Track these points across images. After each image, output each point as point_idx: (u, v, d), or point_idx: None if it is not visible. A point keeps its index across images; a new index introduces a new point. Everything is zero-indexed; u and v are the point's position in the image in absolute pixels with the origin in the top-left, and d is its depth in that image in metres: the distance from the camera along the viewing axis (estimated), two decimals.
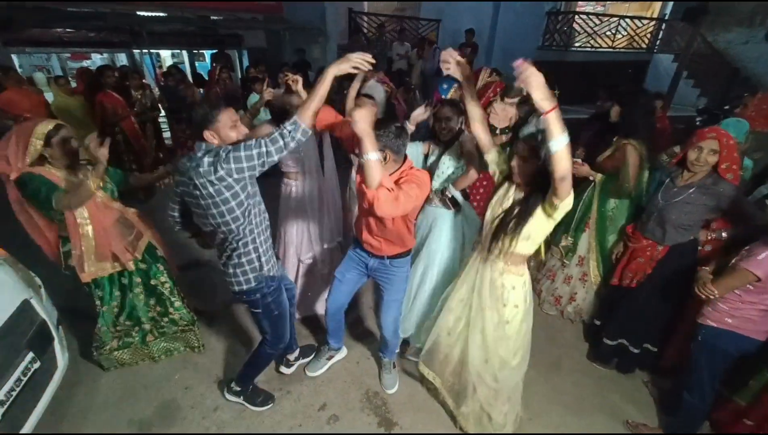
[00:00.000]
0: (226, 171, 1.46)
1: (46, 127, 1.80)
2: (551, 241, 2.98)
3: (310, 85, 1.86)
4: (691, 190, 2.02)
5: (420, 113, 2.29)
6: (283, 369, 2.38)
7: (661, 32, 10.02)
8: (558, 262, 2.93)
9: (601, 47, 9.25)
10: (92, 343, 2.25)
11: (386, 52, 8.17)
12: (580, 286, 2.85)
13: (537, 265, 3.10)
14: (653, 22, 9.99)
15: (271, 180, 2.23)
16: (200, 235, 2.01)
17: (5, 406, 1.57)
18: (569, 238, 2.81)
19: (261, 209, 1.72)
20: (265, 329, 1.93)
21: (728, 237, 2.10)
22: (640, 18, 9.91)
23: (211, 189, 1.49)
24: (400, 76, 6.11)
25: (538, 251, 1.76)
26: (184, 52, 9.28)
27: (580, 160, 2.65)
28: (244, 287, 1.75)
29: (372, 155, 1.49)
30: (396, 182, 1.68)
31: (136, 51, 7.58)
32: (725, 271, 1.75)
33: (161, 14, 6.90)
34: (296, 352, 2.41)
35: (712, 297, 1.74)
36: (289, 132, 1.52)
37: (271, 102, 2.66)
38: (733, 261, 1.74)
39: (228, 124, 1.56)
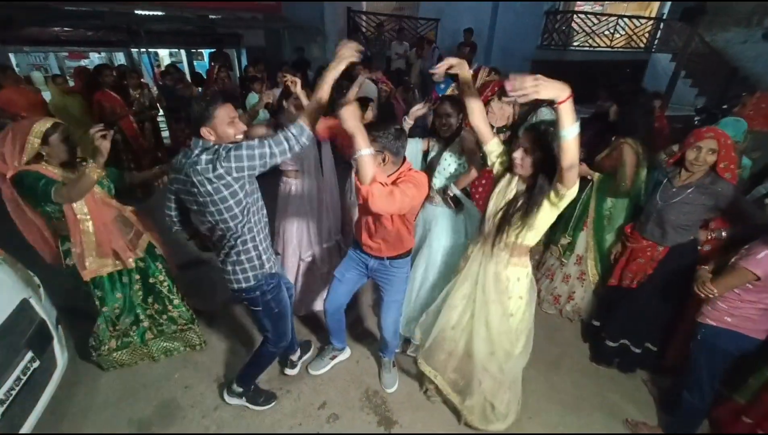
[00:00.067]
0: (225, 169, 1.45)
1: (43, 125, 1.80)
2: (550, 240, 2.99)
3: (309, 85, 1.86)
4: (689, 190, 2.02)
5: (419, 108, 2.30)
6: (288, 371, 2.37)
7: (659, 32, 10.04)
8: (556, 260, 2.94)
9: (599, 46, 9.26)
10: (90, 342, 2.24)
11: (385, 51, 8.16)
12: (578, 285, 2.86)
13: (536, 264, 3.10)
14: (651, 22, 10.01)
15: (269, 178, 2.21)
16: (198, 236, 1.99)
17: (4, 406, 1.56)
18: (568, 237, 2.82)
19: (260, 206, 1.71)
20: (266, 328, 1.91)
21: (728, 236, 2.10)
22: (638, 17, 9.92)
23: (209, 187, 1.47)
24: (398, 76, 6.11)
25: (539, 243, 1.76)
26: (183, 51, 9.26)
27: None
28: (243, 285, 1.74)
29: (364, 151, 1.47)
30: (394, 183, 1.68)
31: (134, 50, 7.54)
32: (724, 270, 1.75)
33: (159, 13, 6.87)
34: (298, 352, 2.41)
35: (711, 296, 1.75)
36: (294, 136, 1.52)
37: (270, 104, 2.65)
38: (732, 260, 1.74)
39: (225, 120, 1.52)
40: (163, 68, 7.01)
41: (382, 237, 1.85)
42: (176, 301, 2.35)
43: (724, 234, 2.11)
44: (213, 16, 7.66)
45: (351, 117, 1.46)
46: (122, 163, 4.42)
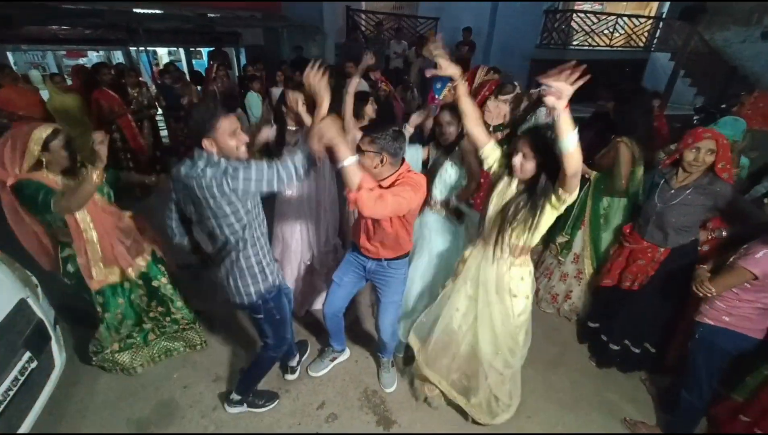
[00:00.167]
0: (232, 189, 1.44)
1: (43, 131, 1.76)
2: (549, 239, 2.99)
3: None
4: (688, 192, 2.01)
5: (419, 115, 2.33)
6: (288, 377, 2.36)
7: (659, 31, 10.06)
8: (554, 259, 2.95)
9: (598, 45, 9.28)
10: (91, 348, 2.23)
11: (384, 50, 8.15)
12: (576, 283, 2.86)
13: (534, 263, 3.10)
14: (651, 21, 10.03)
15: None
16: (200, 252, 1.94)
17: (2, 406, 1.56)
18: (565, 235, 2.83)
19: (261, 220, 1.69)
20: (267, 334, 1.89)
21: (728, 235, 2.10)
22: (637, 16, 9.94)
23: (211, 202, 1.46)
24: (397, 75, 6.11)
25: (538, 242, 1.77)
26: (181, 50, 9.25)
27: None
28: (246, 302, 1.72)
29: (347, 161, 1.45)
30: (392, 185, 1.68)
31: (132, 48, 7.53)
32: (723, 269, 1.75)
33: (158, 11, 6.83)
34: (297, 357, 2.40)
35: (709, 295, 1.75)
36: (302, 165, 1.49)
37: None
38: (731, 259, 1.74)
39: (227, 132, 1.48)
40: (161, 67, 6.98)
41: (381, 239, 1.85)
42: (179, 303, 2.33)
43: (724, 233, 2.11)
44: (212, 15, 7.62)
45: (327, 130, 1.42)
46: (120, 162, 4.40)
